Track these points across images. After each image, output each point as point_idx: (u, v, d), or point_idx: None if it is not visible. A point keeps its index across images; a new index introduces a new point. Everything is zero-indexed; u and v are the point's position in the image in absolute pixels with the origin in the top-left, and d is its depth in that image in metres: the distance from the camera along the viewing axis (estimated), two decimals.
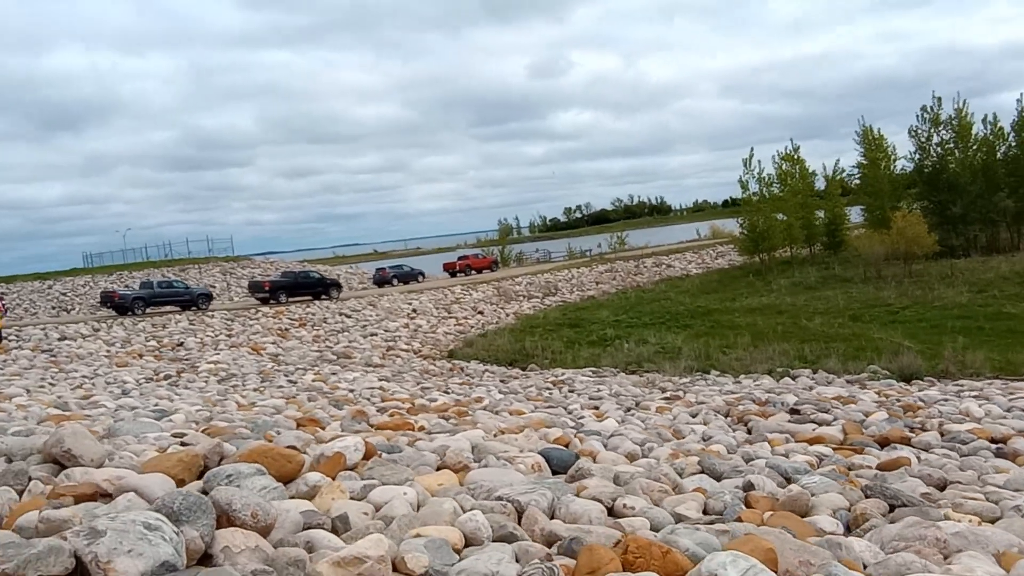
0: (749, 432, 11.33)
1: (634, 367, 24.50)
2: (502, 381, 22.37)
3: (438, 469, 6.70)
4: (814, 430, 10.81)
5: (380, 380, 21.01)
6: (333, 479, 5.82)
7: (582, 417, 12.67)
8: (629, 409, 14.01)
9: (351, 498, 5.45)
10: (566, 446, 8.56)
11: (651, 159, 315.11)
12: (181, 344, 28.63)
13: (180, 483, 5.71)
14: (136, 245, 69.10)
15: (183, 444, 7.58)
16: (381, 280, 50.65)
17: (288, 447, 6.50)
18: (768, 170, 50.89)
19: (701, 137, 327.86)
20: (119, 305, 33.72)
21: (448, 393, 17.33)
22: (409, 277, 51.65)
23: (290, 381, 20.35)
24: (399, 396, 16.40)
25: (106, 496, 5.34)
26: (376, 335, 33.05)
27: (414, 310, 38.60)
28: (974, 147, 49.44)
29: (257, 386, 19.27)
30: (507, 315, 40.15)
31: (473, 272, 55.45)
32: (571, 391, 17.65)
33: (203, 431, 9.16)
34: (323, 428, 10.36)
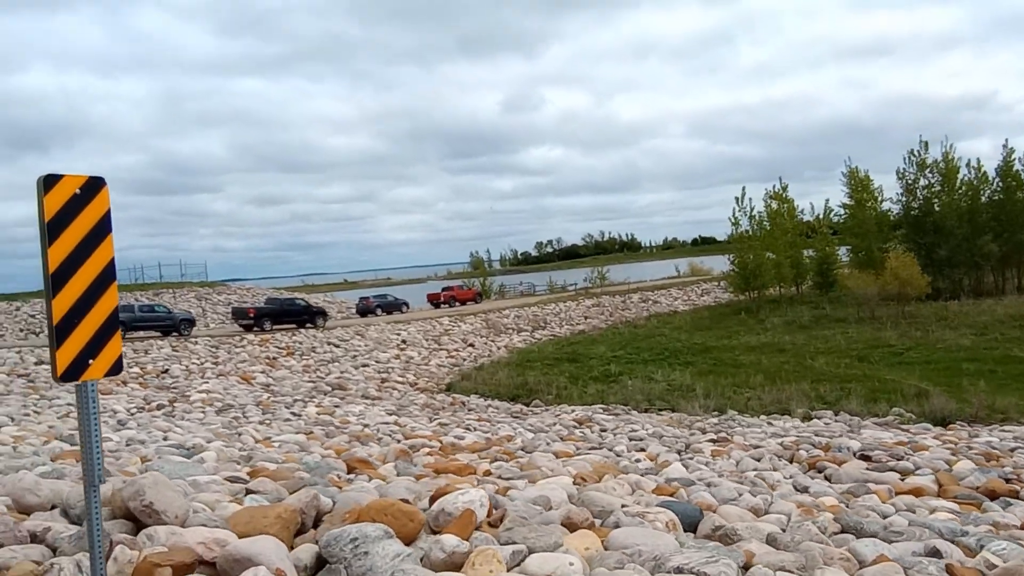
0: (828, 479, 10.50)
1: (646, 405, 23.66)
2: (513, 417, 21.38)
3: (564, 526, 5.74)
4: (903, 480, 10.01)
5: (389, 414, 19.90)
6: (467, 540, 4.85)
7: (638, 460, 11.74)
8: (680, 452, 13.11)
9: (508, 569, 4.48)
10: (671, 496, 7.63)
11: (620, 196, 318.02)
12: (166, 371, 27.18)
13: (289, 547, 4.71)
14: None
15: (248, 491, 6.55)
16: (364, 310, 49.41)
17: (400, 500, 5.50)
18: (758, 208, 50.78)
19: (669, 176, 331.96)
20: None
21: (472, 431, 16.27)
22: (393, 307, 50.50)
23: (293, 413, 19.14)
24: (420, 433, 15.33)
25: (206, 565, 4.32)
26: (368, 366, 31.84)
27: (404, 341, 37.45)
28: (960, 191, 49.93)
29: (261, 418, 18.04)
30: (498, 348, 39.14)
31: (457, 304, 54.52)
32: (603, 430, 16.67)
33: (250, 472, 8.10)
34: (373, 470, 9.34)
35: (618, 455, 12.51)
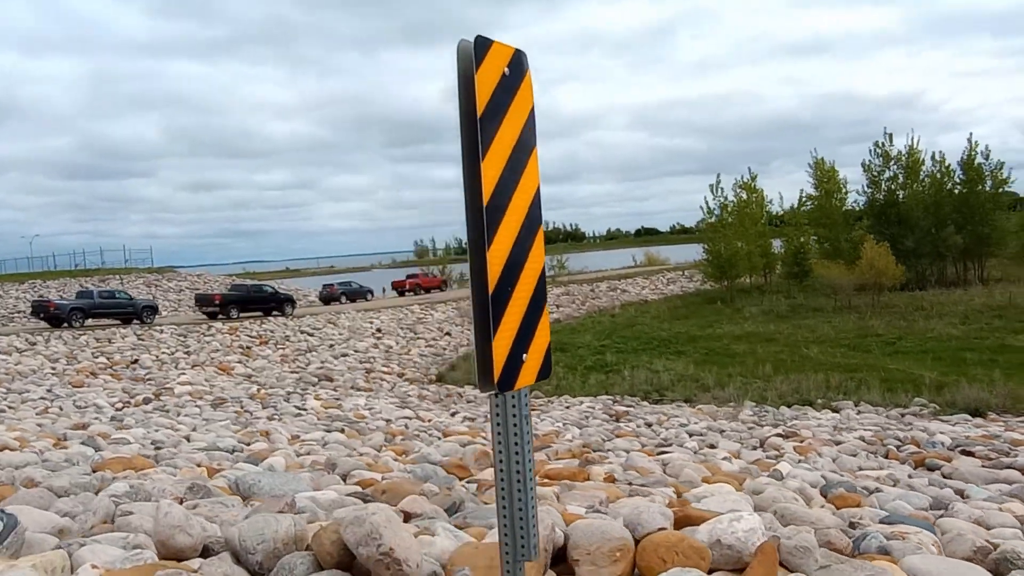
0: (946, 477, 9.63)
1: (656, 395, 22.79)
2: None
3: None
4: None
5: (400, 407, 18.56)
6: None
7: (726, 458, 10.71)
8: (755, 448, 12.15)
9: None
10: (857, 507, 6.59)
11: (561, 187, 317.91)
12: (136, 361, 25.23)
13: None
14: (43, 253, 63.27)
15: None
16: (328, 297, 47.57)
17: (659, 529, 4.31)
18: (730, 198, 50.50)
19: (610, 167, 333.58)
20: (54, 316, 29.79)
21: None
22: (357, 295, 48.82)
23: (297, 407, 17.61)
24: (457, 430, 14.06)
25: None
26: (348, 356, 30.27)
27: (378, 330, 35.88)
28: (924, 183, 50.47)
29: (265, 413, 16.50)
30: None
31: (422, 291, 53.07)
32: (647, 424, 15.61)
33: (361, 484, 6.78)
34: (471, 474, 8.11)
35: (697, 453, 11.46)
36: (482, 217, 2.04)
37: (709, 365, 27.18)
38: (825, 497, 7.19)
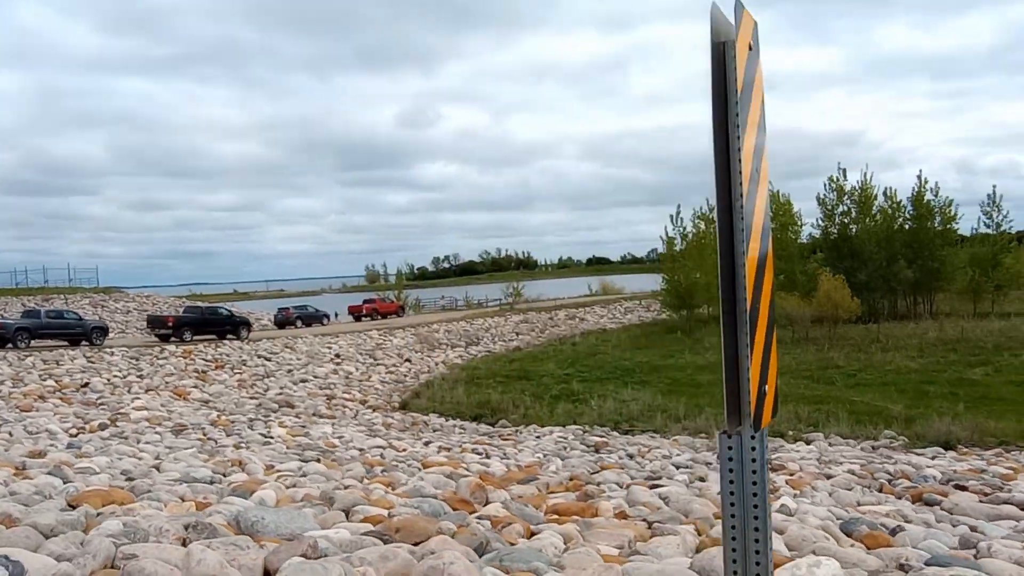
0: (948, 512, 9.50)
1: (626, 426, 22.54)
2: (488, 438, 19.76)
3: None
4: None
5: (369, 436, 17.96)
6: None
7: None
8: None
9: None
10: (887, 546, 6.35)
11: (513, 215, 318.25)
12: (86, 385, 24.13)
13: None
14: None
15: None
16: (283, 321, 46.54)
17: None
18: (689, 228, 50.99)
19: (562, 196, 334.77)
20: None
21: (484, 456, 14.60)
22: (313, 319, 47.86)
23: (263, 435, 16.90)
24: (434, 460, 13.58)
25: None
26: (307, 382, 29.47)
27: (337, 355, 35.11)
28: (876, 218, 51.66)
29: (231, 441, 15.79)
30: (436, 363, 37.30)
31: (379, 316, 52.29)
32: (629, 456, 15.28)
33: (367, 520, 6.33)
34: (474, 509, 7.68)
35: (690, 486, 11.17)
36: (741, 216, 1.71)
37: (675, 395, 27.06)
38: (850, 535, 6.93)
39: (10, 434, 15.56)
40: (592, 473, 12.60)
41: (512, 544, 5.60)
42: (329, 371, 31.76)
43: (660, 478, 11.96)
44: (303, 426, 19.31)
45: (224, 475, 10.11)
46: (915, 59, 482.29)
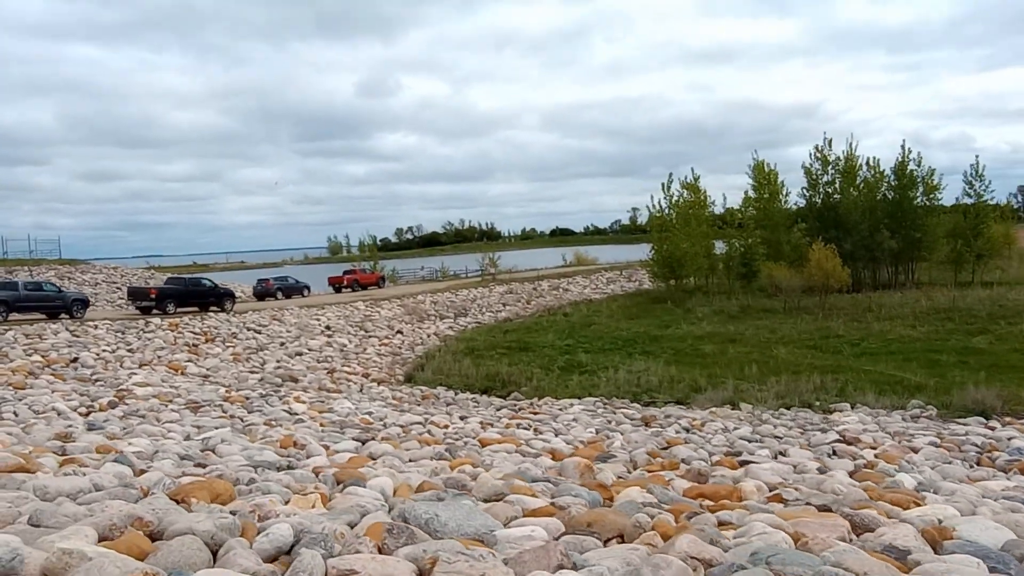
0: None
1: (646, 397, 21.97)
2: (516, 412, 19.01)
3: None
4: None
5: (396, 411, 17.09)
6: None
7: (820, 467, 9.82)
8: (831, 455, 11.33)
9: None
10: None
11: (473, 186, 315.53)
12: (76, 360, 22.79)
13: None
14: None
15: None
16: (264, 292, 45.14)
17: None
18: (673, 198, 50.42)
19: (522, 167, 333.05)
20: None
21: (540, 432, 13.83)
22: (293, 291, 46.53)
23: (288, 412, 15.92)
24: (490, 438, 12.79)
25: None
26: (302, 355, 28.39)
27: (327, 327, 34.00)
28: (860, 187, 51.62)
29: (257, 419, 14.79)
30: (428, 335, 36.42)
31: (359, 288, 51.06)
32: (685, 429, 14.62)
33: (536, 513, 5.51)
34: (612, 494, 6.91)
35: (778, 462, 10.54)
36: None
37: (684, 366, 26.56)
38: None
39: (15, 413, 14.40)
40: (661, 449, 11.94)
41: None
42: (323, 343, 30.69)
43: (740, 453, 11.32)
44: (321, 401, 18.35)
45: (290, 458, 9.19)
46: (872, 31, 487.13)
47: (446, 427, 14.33)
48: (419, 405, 21.12)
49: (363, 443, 11.29)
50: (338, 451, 10.44)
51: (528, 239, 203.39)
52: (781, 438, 13.17)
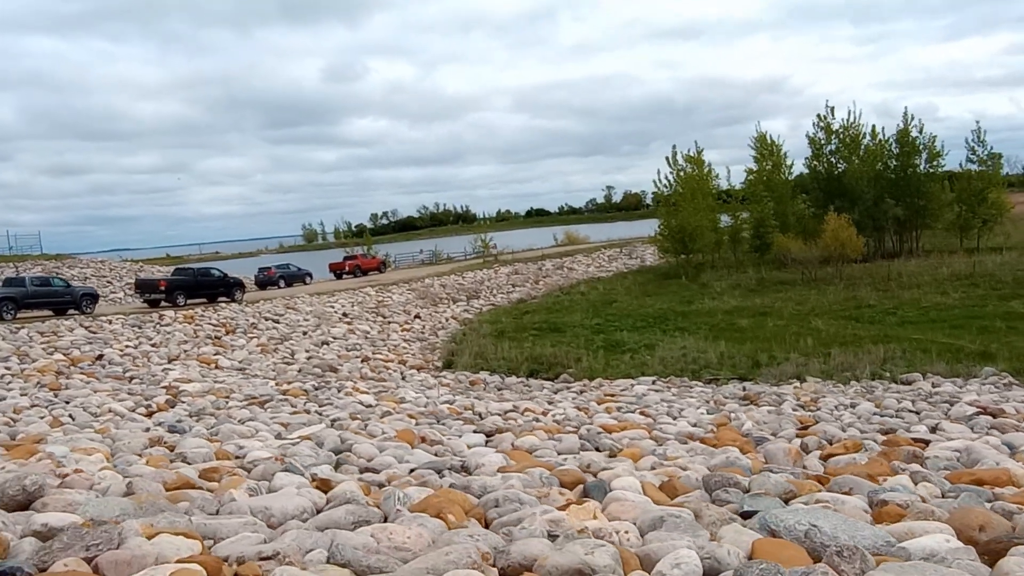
0: None
1: (705, 374, 21.20)
2: (604, 394, 18.10)
3: None
4: None
5: (467, 398, 16.13)
6: None
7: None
8: (989, 431, 10.56)
9: None
10: None
11: (444, 169, 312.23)
12: (100, 357, 21.48)
13: None
14: None
15: None
16: (265, 281, 43.83)
17: None
18: (680, 172, 49.59)
19: (493, 150, 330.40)
20: None
21: (646, 416, 12.94)
22: (295, 278, 45.31)
23: (365, 405, 14.87)
24: (607, 423, 11.87)
25: None
26: (328, 344, 27.26)
27: (344, 314, 32.83)
28: (864, 156, 51.11)
29: (341, 412, 13.73)
30: (447, 319, 35.37)
31: (360, 273, 49.81)
32: (801, 407, 13.81)
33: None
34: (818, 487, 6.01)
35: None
36: None
37: (730, 342, 25.74)
38: None
39: (71, 417, 13.24)
40: (799, 429, 11.11)
41: None
42: (345, 331, 29.55)
43: (894, 430, 10.51)
44: (383, 391, 17.31)
45: (448, 457, 8.20)
46: (838, 3, 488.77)
47: (544, 414, 13.38)
48: (468, 391, 20.18)
49: (488, 436, 10.31)
50: (470, 445, 9.47)
51: (504, 220, 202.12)
52: (919, 413, 12.38)
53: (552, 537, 4.17)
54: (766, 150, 52.18)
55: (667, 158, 49.35)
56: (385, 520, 4.85)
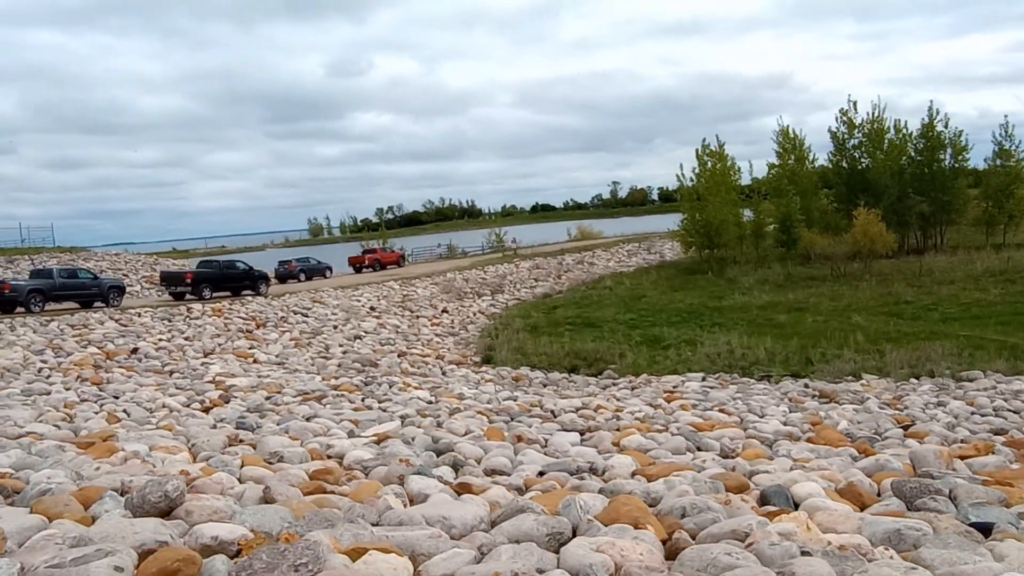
0: None
1: (756, 371, 20.68)
2: (633, 391, 17.59)
3: None
4: None
5: (526, 394, 15.62)
6: None
7: None
8: None
9: None
10: None
11: (447, 164, 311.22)
12: (135, 351, 21.00)
13: None
14: None
15: None
16: (286, 274, 43.27)
17: None
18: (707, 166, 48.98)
19: (495, 145, 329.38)
20: (9, 300, 24.66)
21: (727, 414, 12.42)
22: (316, 272, 44.85)
23: (426, 401, 14.38)
24: (693, 421, 11.35)
25: None
26: (361, 338, 26.76)
27: (372, 308, 32.33)
28: (888, 151, 50.42)
29: (403, 409, 13.23)
30: (475, 314, 34.86)
31: (380, 267, 49.34)
32: (886, 405, 13.28)
33: None
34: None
35: None
36: None
37: (766, 337, 25.20)
38: None
39: (127, 412, 12.75)
40: (899, 428, 10.58)
41: None
42: (375, 325, 29.07)
43: (1007, 431, 9.98)
44: (436, 387, 16.80)
45: (567, 459, 7.68)
46: (840, 1, 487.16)
47: (618, 410, 12.85)
48: (519, 386, 19.68)
49: (581, 434, 9.79)
50: (573, 444, 8.95)
51: (509, 215, 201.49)
52: (1019, 412, 11.86)
53: (805, 554, 3.65)
54: (789, 144, 51.54)
55: (696, 151, 48.77)
56: (574, 532, 4.33)
